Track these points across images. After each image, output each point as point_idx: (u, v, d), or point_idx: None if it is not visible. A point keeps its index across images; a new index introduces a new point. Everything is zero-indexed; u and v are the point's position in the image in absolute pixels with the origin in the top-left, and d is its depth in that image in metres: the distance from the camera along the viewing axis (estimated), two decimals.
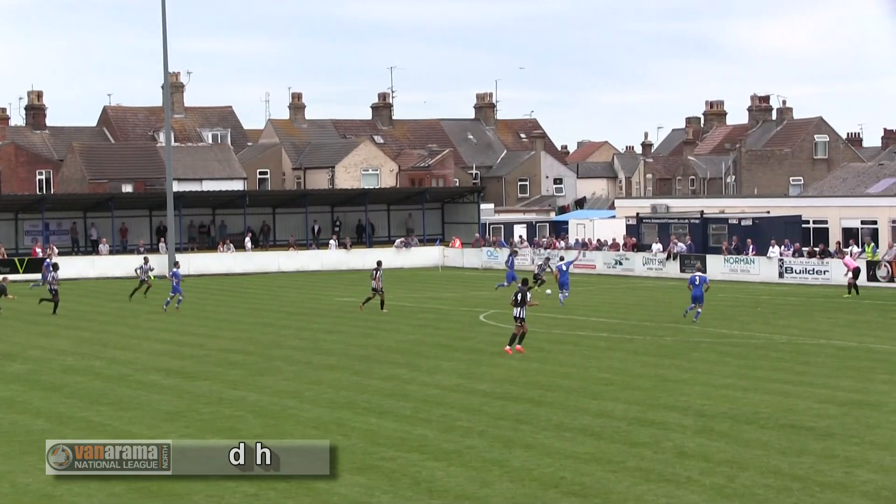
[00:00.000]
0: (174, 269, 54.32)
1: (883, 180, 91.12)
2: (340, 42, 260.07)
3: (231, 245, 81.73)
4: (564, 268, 54.71)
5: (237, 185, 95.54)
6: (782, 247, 67.75)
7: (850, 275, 57.75)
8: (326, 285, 68.14)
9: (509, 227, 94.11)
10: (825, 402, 27.90)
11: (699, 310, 45.51)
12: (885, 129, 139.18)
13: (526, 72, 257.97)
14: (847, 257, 60.92)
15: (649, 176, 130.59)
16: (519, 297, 37.16)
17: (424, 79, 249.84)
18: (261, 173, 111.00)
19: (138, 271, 58.85)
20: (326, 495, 20.18)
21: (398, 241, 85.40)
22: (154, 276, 60.06)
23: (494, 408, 27.92)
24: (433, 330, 44.81)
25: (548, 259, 63.68)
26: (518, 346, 37.30)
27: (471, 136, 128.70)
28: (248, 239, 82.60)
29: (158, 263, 68.81)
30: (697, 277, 46.22)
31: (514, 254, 67.89)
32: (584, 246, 78.33)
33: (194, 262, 78.02)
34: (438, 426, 25.84)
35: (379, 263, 52.16)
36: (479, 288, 65.31)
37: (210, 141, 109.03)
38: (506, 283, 59.89)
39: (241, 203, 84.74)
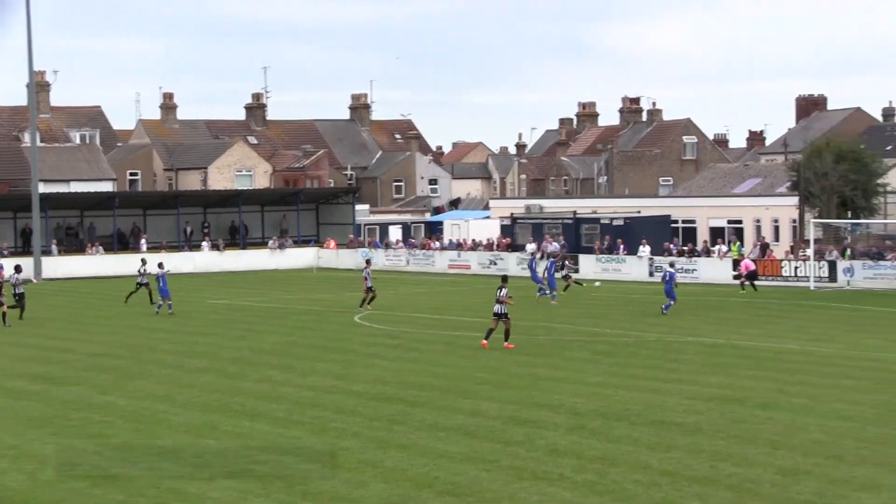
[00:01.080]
0: (160, 271, 52.01)
1: (748, 181, 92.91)
2: (213, 41, 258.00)
3: (100, 247, 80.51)
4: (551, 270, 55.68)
5: (106, 187, 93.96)
6: (673, 247, 68.97)
7: (744, 274, 59.09)
8: (199, 287, 67.49)
9: (384, 227, 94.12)
10: (693, 399, 28.37)
11: (671, 302, 48.20)
12: (749, 131, 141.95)
13: (401, 72, 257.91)
14: (745, 259, 61.89)
15: (523, 176, 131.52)
16: (498, 294, 38.11)
17: (299, 79, 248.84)
18: (131, 174, 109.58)
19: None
20: (198, 500, 20.01)
21: (272, 242, 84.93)
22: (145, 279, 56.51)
23: (368, 409, 27.91)
24: (307, 332, 44.65)
25: (564, 258, 62.73)
26: (506, 343, 37.89)
27: (346, 137, 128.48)
28: (143, 241, 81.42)
29: (25, 266, 67.22)
30: (667, 273, 48.95)
31: (534, 259, 63.02)
32: (458, 246, 78.61)
33: (62, 265, 76.76)
34: (312, 428, 25.77)
35: (368, 262, 54.15)
36: (355, 289, 65.20)
37: (78, 141, 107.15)
38: (548, 292, 55.35)
39: (110, 204, 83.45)
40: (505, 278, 39.68)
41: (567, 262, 61.80)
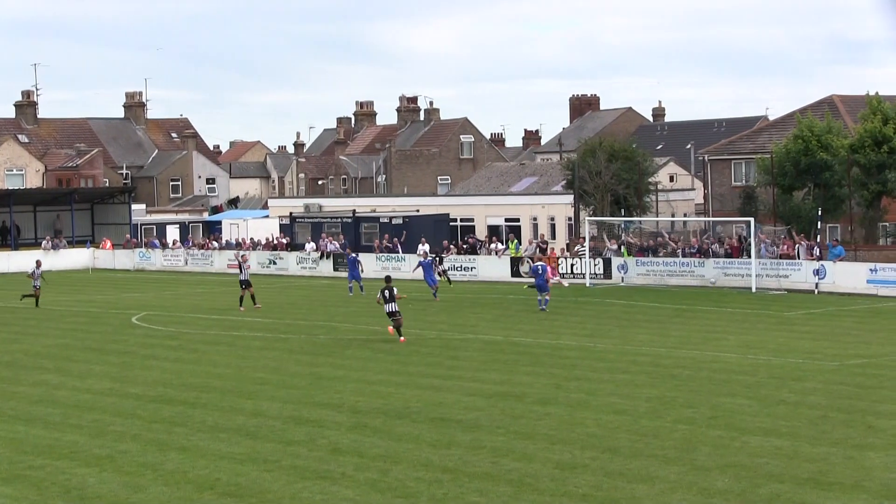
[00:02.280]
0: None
1: (524, 179, 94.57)
2: None
3: None
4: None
5: None
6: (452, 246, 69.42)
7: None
8: None
9: (162, 227, 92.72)
10: (473, 395, 28.71)
11: (547, 297, 48.23)
12: (525, 130, 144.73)
13: (177, 71, 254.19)
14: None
15: (302, 175, 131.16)
16: (387, 294, 39.11)
17: (71, 77, 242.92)
18: None
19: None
20: None
21: (45, 242, 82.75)
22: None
23: (148, 411, 27.49)
24: (84, 333, 43.70)
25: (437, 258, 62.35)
26: (401, 338, 38.91)
27: (121, 136, 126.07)
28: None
29: None
30: (539, 267, 48.98)
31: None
32: (237, 246, 77.95)
33: None
34: (90, 431, 25.25)
35: (243, 256, 55.14)
36: (132, 290, 64.08)
37: None
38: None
39: None
40: (389, 278, 41.60)
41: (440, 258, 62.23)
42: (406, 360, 35.10)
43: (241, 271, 52.33)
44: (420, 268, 56.79)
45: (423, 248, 64.17)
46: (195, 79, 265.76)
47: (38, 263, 55.05)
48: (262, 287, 60.40)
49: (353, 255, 60.09)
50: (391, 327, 39.48)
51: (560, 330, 42.23)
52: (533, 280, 49.71)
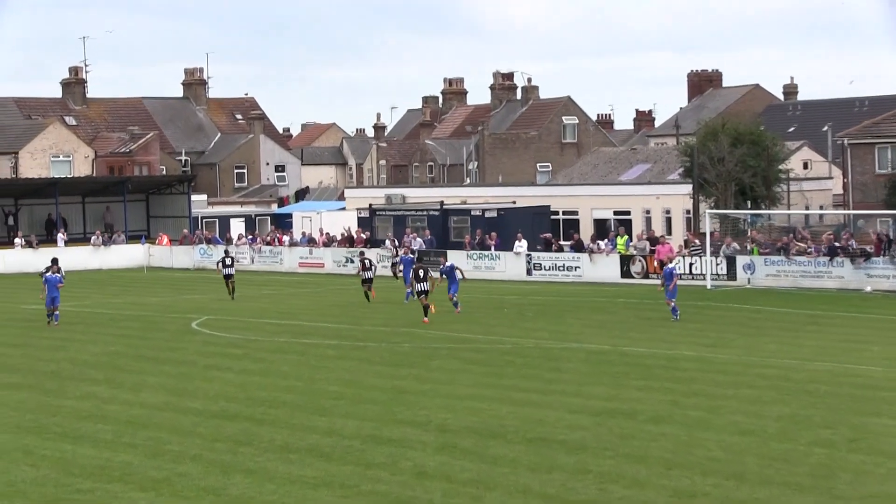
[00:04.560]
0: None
1: (636, 166, 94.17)
2: (21, 5, 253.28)
3: None
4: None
5: None
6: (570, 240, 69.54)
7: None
8: (9, 290, 66.33)
9: (225, 220, 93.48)
10: (577, 412, 28.61)
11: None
12: (636, 111, 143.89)
13: (242, 44, 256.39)
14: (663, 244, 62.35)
15: (383, 162, 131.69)
16: (421, 273, 47.52)
17: (124, 51, 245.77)
18: None
19: None
20: None
21: (95, 237, 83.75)
22: None
23: (209, 428, 27.71)
24: (137, 340, 44.15)
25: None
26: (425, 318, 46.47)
27: (179, 118, 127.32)
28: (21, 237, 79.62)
29: None
30: (671, 270, 48.37)
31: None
32: (310, 242, 78.42)
33: None
34: (144, 451, 25.50)
35: (362, 253, 60.22)
36: (191, 291, 64.66)
37: None
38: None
39: None
40: (421, 257, 51.50)
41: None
42: (500, 373, 35.08)
43: (365, 270, 56.00)
44: (401, 265, 58.26)
45: (416, 243, 66.22)
46: (262, 53, 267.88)
47: (55, 261, 54.32)
48: (338, 288, 60.76)
49: (411, 254, 59.29)
50: (426, 319, 46.24)
51: (676, 338, 41.98)
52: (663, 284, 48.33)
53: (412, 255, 57.47)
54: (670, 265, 48.92)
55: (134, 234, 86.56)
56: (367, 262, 57.08)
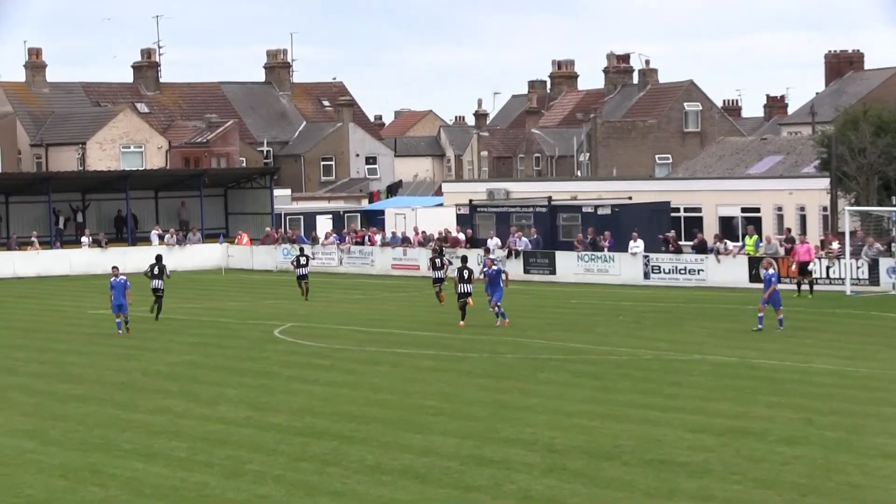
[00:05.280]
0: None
1: (766, 158, 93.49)
2: None
3: None
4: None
5: None
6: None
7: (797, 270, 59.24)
8: (76, 294, 67.12)
9: (311, 217, 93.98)
10: (700, 432, 28.48)
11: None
12: (767, 96, 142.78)
13: (330, 26, 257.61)
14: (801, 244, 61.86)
15: (484, 153, 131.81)
16: (465, 275, 49.68)
17: (201, 32, 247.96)
18: None
19: None
20: None
21: (168, 236, 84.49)
22: None
23: (293, 446, 27.87)
24: (214, 349, 44.53)
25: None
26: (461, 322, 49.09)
27: (261, 105, 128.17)
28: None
29: None
30: (772, 276, 47.27)
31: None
32: (404, 241, 78.63)
33: None
34: (222, 471, 25.70)
35: (435, 249, 63.25)
36: (273, 295, 65.08)
37: None
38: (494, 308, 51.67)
39: None
40: (465, 258, 51.96)
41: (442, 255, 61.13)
42: (614, 387, 35.00)
43: (436, 269, 58.27)
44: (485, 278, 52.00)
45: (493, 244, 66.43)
46: (352, 34, 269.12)
47: (159, 259, 55.26)
48: (435, 293, 60.72)
49: (497, 265, 55.62)
50: (462, 322, 49.02)
51: (811, 350, 41.69)
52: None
53: (497, 268, 53.13)
54: (769, 270, 47.95)
55: (211, 233, 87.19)
56: (438, 260, 57.49)
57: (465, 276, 49.87)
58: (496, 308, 49.49)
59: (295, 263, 63.33)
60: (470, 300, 49.91)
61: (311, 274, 63.63)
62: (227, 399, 34.13)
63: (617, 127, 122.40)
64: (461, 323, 49.20)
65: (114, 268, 50.07)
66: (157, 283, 53.95)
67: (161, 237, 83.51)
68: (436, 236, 77.68)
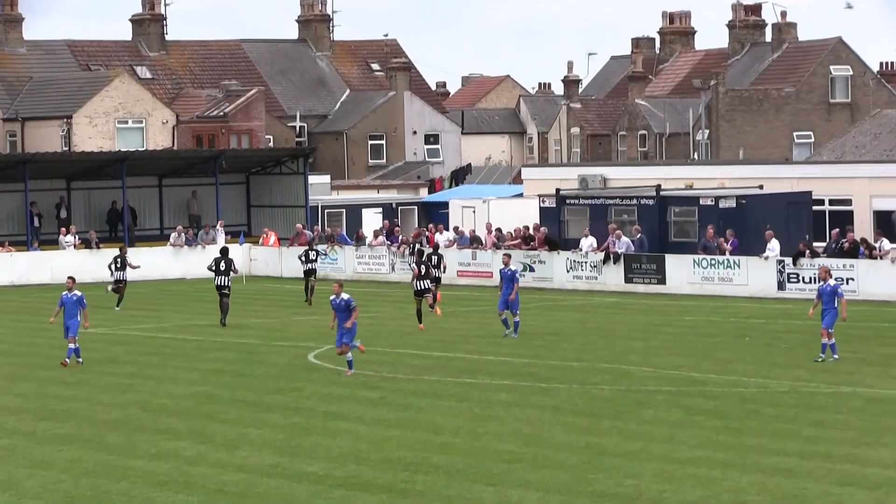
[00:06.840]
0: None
1: None
2: None
3: None
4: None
5: None
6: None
7: None
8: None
9: (355, 211, 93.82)
10: (849, 485, 28.41)
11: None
12: None
13: None
14: None
15: (576, 130, 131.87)
16: (424, 270, 54.13)
17: None
18: None
19: None
20: None
21: (175, 234, 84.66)
22: None
23: (333, 501, 27.98)
24: (233, 378, 44.69)
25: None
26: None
27: (293, 68, 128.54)
28: None
29: None
30: (829, 287, 47.32)
31: None
32: (471, 242, 78.54)
33: None
34: None
35: (418, 251, 63.29)
36: (308, 310, 65.20)
37: None
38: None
39: None
40: (421, 252, 54.85)
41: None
42: (739, 427, 34.92)
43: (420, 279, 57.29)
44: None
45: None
46: None
47: (224, 252, 57.69)
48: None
49: (512, 267, 55.87)
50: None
51: None
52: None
53: (514, 269, 53.60)
54: (831, 282, 47.25)
55: (230, 231, 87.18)
56: (423, 267, 57.84)
57: (425, 271, 55.80)
58: (512, 316, 52.21)
59: (304, 257, 66.32)
60: (437, 308, 54.42)
61: (355, 282, 63.90)
62: (250, 441, 34.23)
63: (744, 97, 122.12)
64: (420, 326, 55.09)
65: (69, 279, 50.16)
66: (222, 279, 57.62)
67: (181, 234, 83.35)
68: (412, 234, 78.02)
